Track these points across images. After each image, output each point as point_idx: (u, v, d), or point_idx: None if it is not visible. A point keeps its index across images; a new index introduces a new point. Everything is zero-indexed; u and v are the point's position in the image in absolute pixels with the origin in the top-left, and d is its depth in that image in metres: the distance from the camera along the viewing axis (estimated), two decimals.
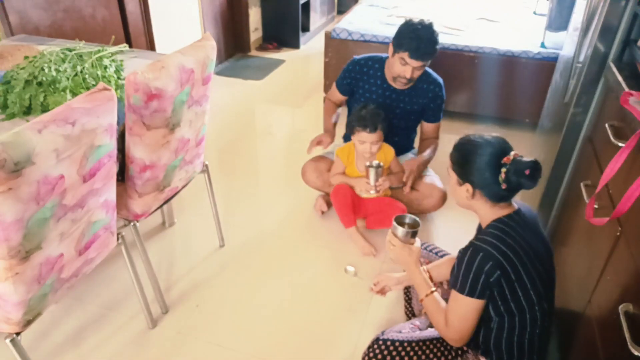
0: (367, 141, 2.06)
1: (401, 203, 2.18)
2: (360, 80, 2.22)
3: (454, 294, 1.22)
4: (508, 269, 1.16)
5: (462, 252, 1.21)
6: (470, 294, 1.19)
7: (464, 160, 1.25)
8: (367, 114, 2.04)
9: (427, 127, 2.29)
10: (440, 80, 2.20)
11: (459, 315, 1.23)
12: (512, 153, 1.20)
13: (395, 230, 1.44)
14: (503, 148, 1.22)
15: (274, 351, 1.68)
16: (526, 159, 1.18)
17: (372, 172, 2.04)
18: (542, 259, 1.24)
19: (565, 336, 1.55)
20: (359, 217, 2.23)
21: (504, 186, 1.19)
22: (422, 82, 2.16)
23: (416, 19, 2.02)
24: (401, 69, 2.03)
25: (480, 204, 1.26)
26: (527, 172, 1.16)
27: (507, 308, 1.22)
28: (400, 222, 1.46)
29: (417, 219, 1.48)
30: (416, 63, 1.99)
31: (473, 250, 1.18)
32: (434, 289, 1.35)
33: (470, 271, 1.17)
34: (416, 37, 1.95)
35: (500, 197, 1.23)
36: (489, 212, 1.26)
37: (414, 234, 1.44)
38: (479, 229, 1.37)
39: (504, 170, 1.18)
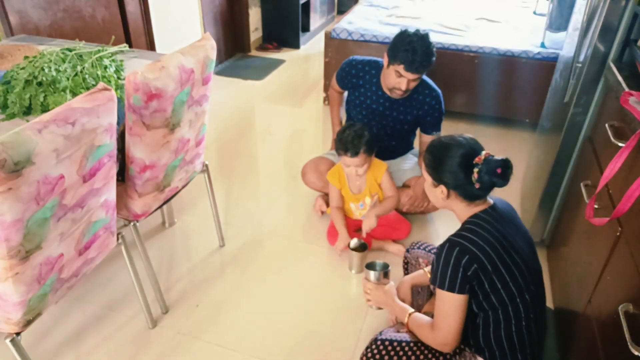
0: (351, 165, 2.01)
1: (405, 218, 2.18)
2: (356, 84, 2.20)
3: (437, 292, 1.24)
4: (485, 262, 1.18)
5: (440, 248, 1.23)
6: (450, 288, 1.20)
7: (437, 162, 1.28)
8: (349, 136, 1.96)
9: (425, 138, 2.23)
10: (439, 91, 2.15)
11: (443, 313, 1.25)
12: (484, 153, 1.23)
13: (367, 276, 1.54)
14: (474, 148, 1.24)
15: (274, 351, 1.68)
16: (497, 157, 1.21)
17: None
18: (521, 252, 1.25)
19: (565, 336, 1.55)
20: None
21: (477, 185, 1.21)
22: (418, 94, 2.12)
23: (412, 29, 1.99)
24: (396, 81, 2.01)
25: (455, 203, 1.29)
26: (498, 170, 1.18)
27: (489, 303, 1.23)
28: (371, 268, 1.58)
29: (386, 263, 1.62)
30: (412, 76, 1.96)
31: (450, 245, 1.21)
32: (411, 311, 1.40)
33: (448, 266, 1.19)
34: (411, 50, 1.91)
35: (474, 196, 1.26)
36: (465, 210, 1.28)
37: (385, 274, 1.55)
38: None
39: (476, 170, 1.21)
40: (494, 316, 1.24)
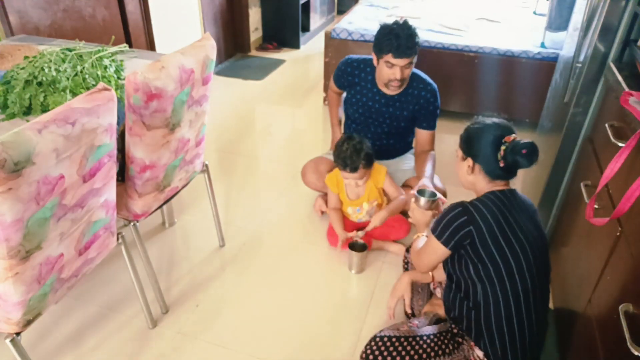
0: (350, 178, 2.01)
1: (405, 219, 2.18)
2: (352, 82, 2.20)
3: (430, 234, 1.38)
4: (482, 227, 1.25)
5: (450, 204, 1.34)
6: (438, 237, 1.32)
7: (471, 137, 1.37)
8: (347, 151, 1.94)
9: (420, 134, 2.22)
10: (434, 85, 2.14)
11: (426, 252, 1.41)
12: (514, 135, 1.30)
13: (417, 200, 1.65)
14: (507, 130, 1.32)
15: (274, 351, 1.68)
16: (525, 140, 1.27)
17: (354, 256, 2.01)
18: (530, 237, 1.29)
19: (565, 336, 1.55)
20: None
21: (501, 163, 1.28)
22: (413, 88, 2.12)
23: (390, 21, 2.01)
24: (390, 72, 2.00)
25: (479, 179, 1.36)
26: (524, 151, 1.25)
27: (487, 273, 1.27)
28: (421, 194, 1.67)
29: (436, 192, 1.69)
30: (402, 61, 1.96)
31: (457, 204, 1.31)
32: (426, 234, 1.57)
33: (445, 217, 1.31)
34: (395, 36, 1.93)
35: (497, 174, 1.32)
36: (485, 188, 1.36)
37: (433, 202, 1.64)
38: None
39: (503, 147, 1.28)
40: (492, 290, 1.27)
